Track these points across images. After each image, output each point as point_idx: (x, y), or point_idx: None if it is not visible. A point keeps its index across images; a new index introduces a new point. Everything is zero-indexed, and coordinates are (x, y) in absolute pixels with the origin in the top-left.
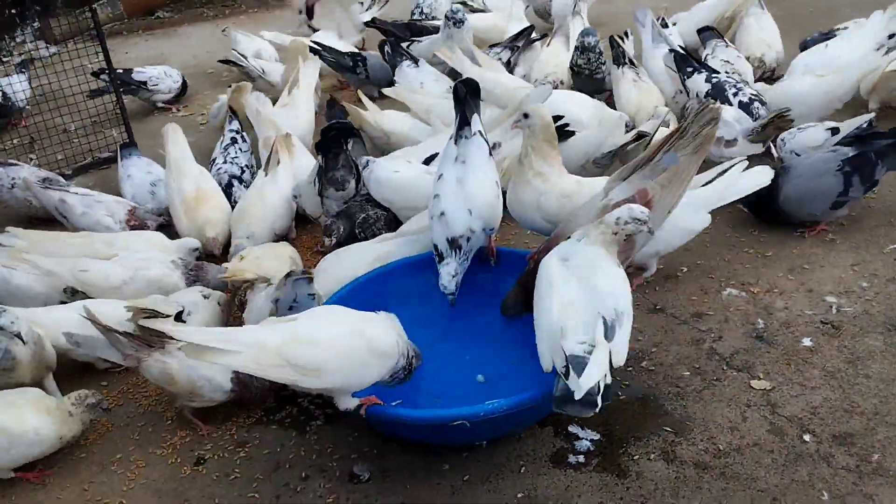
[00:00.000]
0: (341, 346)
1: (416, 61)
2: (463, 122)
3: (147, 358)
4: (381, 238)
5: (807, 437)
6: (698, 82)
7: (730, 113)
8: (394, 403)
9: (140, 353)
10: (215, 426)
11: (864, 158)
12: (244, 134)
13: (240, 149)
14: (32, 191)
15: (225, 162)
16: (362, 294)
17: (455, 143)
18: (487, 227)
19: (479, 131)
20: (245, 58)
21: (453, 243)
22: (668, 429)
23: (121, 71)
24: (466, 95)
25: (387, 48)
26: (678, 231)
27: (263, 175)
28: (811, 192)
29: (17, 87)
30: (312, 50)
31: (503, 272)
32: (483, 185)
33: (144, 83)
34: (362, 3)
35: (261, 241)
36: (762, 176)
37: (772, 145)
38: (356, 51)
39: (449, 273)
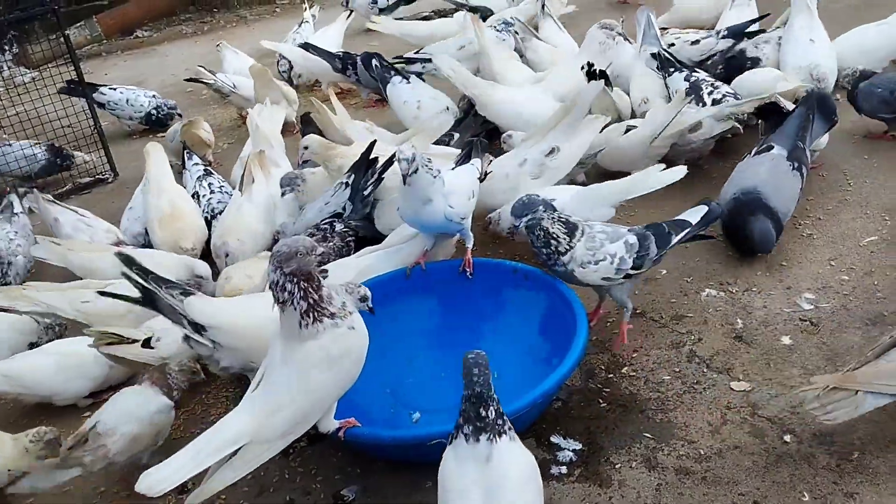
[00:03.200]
0: (307, 396)
1: (406, 78)
2: (464, 161)
3: (106, 446)
4: (361, 252)
5: (787, 438)
6: (677, 81)
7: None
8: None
9: (100, 449)
10: None
11: None
12: (208, 165)
13: (217, 178)
14: (38, 203)
15: (213, 192)
16: None
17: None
18: (449, 203)
19: (477, 167)
20: (214, 73)
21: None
22: (649, 435)
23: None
24: (478, 148)
25: (375, 61)
26: None
27: (239, 195)
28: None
29: None
30: (304, 46)
31: (485, 285)
32: (462, 178)
33: (103, 105)
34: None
35: (242, 258)
36: (675, 173)
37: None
38: (348, 52)
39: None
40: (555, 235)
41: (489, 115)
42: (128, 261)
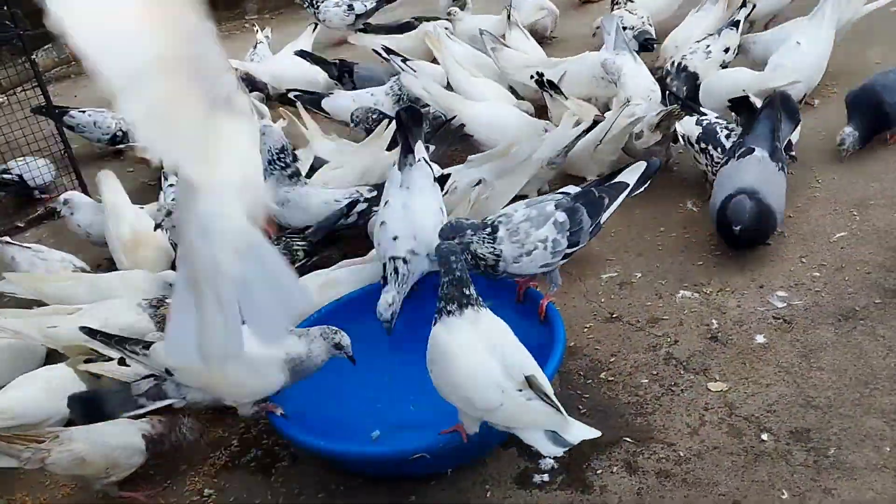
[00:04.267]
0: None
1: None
2: (406, 150)
3: (49, 453)
4: (340, 264)
5: (765, 437)
6: (688, 125)
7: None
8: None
9: (40, 453)
10: (177, 477)
11: None
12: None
13: None
14: None
15: None
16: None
17: (399, 170)
18: (432, 255)
19: (423, 158)
20: None
21: (393, 263)
22: (629, 439)
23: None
24: (410, 122)
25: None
26: None
27: None
28: None
29: None
30: (300, 54)
31: None
32: (427, 210)
33: (72, 128)
34: None
35: None
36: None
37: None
38: (344, 60)
39: (386, 301)
40: (482, 256)
41: (469, 130)
42: (91, 333)
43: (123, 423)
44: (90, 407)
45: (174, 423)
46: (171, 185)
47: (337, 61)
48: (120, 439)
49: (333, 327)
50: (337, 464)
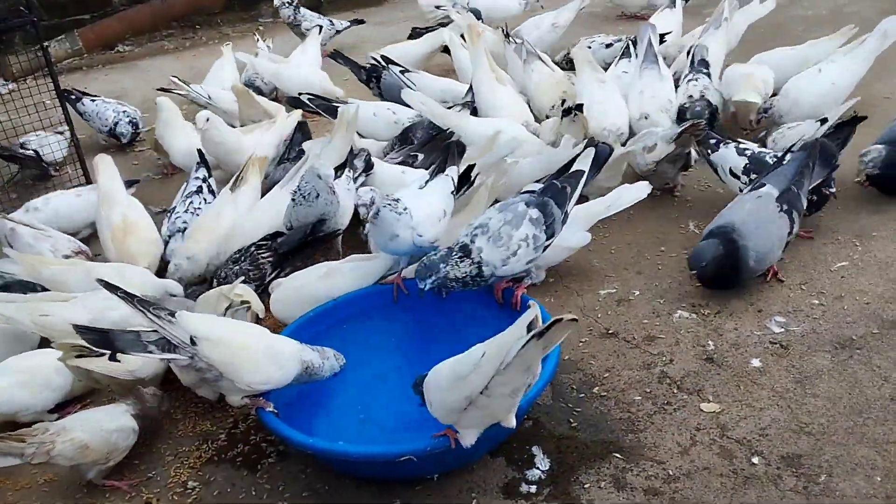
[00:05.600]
0: None
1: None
2: (441, 169)
3: (53, 444)
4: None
5: (755, 460)
6: (729, 156)
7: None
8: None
9: (44, 446)
10: (161, 469)
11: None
12: (211, 183)
13: (205, 199)
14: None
15: (186, 211)
16: (322, 322)
17: (430, 176)
18: (417, 233)
19: (452, 177)
20: (188, 84)
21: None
22: (619, 455)
23: (73, 96)
24: (454, 149)
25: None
26: (558, 249)
27: (229, 192)
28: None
29: None
30: (334, 55)
31: (460, 302)
32: (431, 202)
33: (81, 115)
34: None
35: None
36: (641, 190)
37: (692, 149)
38: (374, 65)
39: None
40: (462, 276)
41: (467, 143)
42: (110, 287)
43: (109, 407)
44: (101, 338)
45: (139, 395)
46: (195, 179)
47: (367, 65)
48: (114, 422)
49: (341, 355)
50: (324, 462)
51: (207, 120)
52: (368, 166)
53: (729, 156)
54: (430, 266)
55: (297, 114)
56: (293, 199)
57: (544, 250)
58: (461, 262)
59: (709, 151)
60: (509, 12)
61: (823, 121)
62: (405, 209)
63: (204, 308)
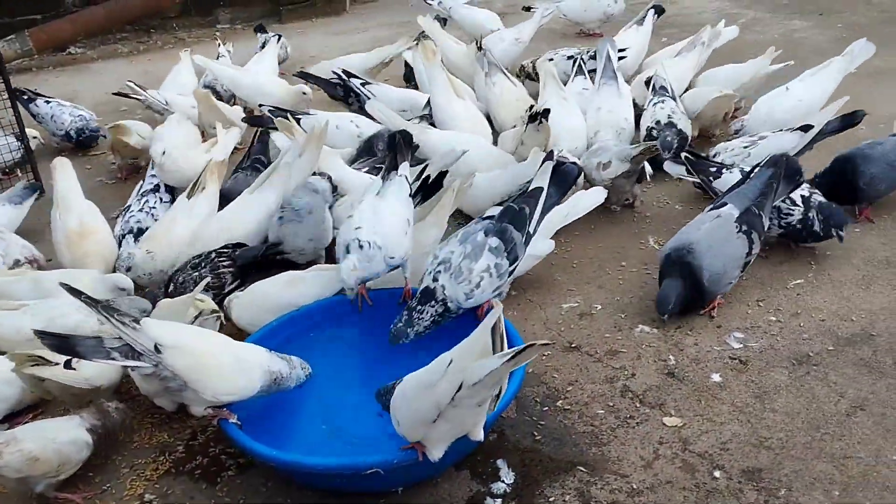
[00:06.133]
0: None
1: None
2: (392, 167)
3: (0, 455)
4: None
5: (717, 474)
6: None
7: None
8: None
9: None
10: (117, 481)
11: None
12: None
13: (160, 199)
14: None
15: (141, 210)
16: (289, 329)
17: (382, 180)
18: (388, 256)
19: (405, 176)
20: (144, 89)
21: (357, 242)
22: (583, 469)
23: (26, 97)
24: (402, 144)
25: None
26: (525, 259)
27: (185, 199)
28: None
29: None
30: (300, 75)
31: None
32: (394, 215)
33: (35, 116)
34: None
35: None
36: (597, 195)
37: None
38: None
39: (348, 266)
40: (431, 320)
41: (429, 156)
42: (73, 292)
43: (63, 419)
44: (62, 343)
45: (102, 408)
46: (152, 177)
47: (342, 81)
48: (68, 434)
49: (307, 364)
50: (286, 475)
51: (164, 153)
52: (334, 188)
53: (732, 181)
54: (398, 334)
55: (236, 130)
56: (281, 216)
57: (510, 275)
58: (423, 311)
59: (710, 179)
60: (484, 28)
61: (805, 128)
62: (379, 247)
63: (164, 314)
